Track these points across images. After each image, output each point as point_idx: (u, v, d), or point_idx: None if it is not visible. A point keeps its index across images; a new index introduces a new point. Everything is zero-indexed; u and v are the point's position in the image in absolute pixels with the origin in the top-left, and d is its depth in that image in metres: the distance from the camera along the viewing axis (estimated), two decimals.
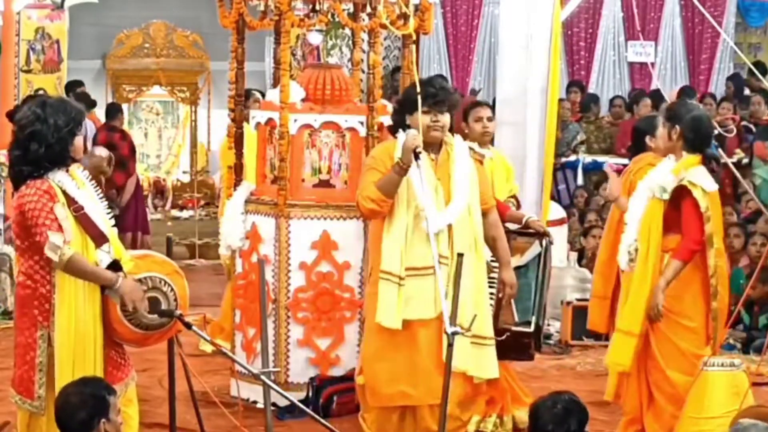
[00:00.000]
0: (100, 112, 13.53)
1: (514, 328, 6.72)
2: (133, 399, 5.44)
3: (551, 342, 9.48)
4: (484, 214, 6.35)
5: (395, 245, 5.98)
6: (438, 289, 5.82)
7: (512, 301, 6.75)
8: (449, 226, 6.09)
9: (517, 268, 6.93)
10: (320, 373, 7.44)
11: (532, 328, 6.76)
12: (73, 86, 13.88)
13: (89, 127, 12.17)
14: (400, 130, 6.14)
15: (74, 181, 5.23)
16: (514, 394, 7.14)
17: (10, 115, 11.52)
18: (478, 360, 6.05)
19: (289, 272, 7.43)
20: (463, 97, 13.58)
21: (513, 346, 6.73)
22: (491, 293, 6.79)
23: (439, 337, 5.96)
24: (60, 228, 5.08)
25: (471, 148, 6.57)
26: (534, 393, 6.99)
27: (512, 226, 7.09)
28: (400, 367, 6.00)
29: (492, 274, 6.84)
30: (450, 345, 5.27)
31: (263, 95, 9.57)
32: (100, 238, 5.21)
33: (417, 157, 5.87)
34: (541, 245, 6.93)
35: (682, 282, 6.39)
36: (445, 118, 6.11)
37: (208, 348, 8.64)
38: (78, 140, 5.25)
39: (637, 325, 6.40)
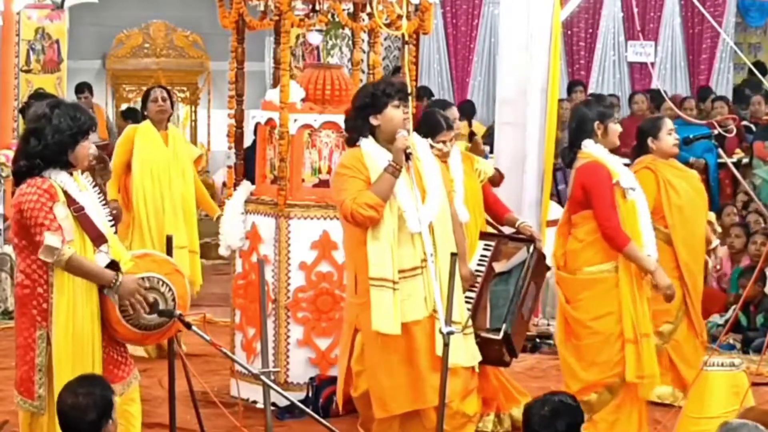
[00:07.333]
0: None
1: (483, 334, 6.63)
2: (135, 398, 5.46)
3: (551, 342, 9.45)
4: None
5: (385, 250, 5.85)
6: (430, 287, 5.81)
7: (488, 305, 6.73)
8: (430, 224, 5.94)
9: (500, 274, 6.88)
10: (320, 373, 7.45)
11: (500, 336, 6.63)
12: (81, 89, 13.86)
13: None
14: (362, 137, 5.99)
15: (76, 184, 5.25)
16: (507, 393, 7.12)
17: (22, 111, 11.54)
18: (465, 349, 6.03)
19: (289, 272, 7.44)
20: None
21: (485, 352, 6.71)
22: (470, 297, 6.76)
23: (431, 334, 5.91)
24: (59, 227, 5.09)
25: (432, 145, 6.52)
26: (533, 393, 6.97)
27: (507, 230, 7.08)
28: (403, 372, 5.94)
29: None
30: (446, 345, 5.26)
31: (167, 94, 9.29)
32: (98, 239, 5.22)
33: (408, 158, 5.83)
34: (528, 251, 6.86)
35: None
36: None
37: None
38: (82, 148, 5.25)
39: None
